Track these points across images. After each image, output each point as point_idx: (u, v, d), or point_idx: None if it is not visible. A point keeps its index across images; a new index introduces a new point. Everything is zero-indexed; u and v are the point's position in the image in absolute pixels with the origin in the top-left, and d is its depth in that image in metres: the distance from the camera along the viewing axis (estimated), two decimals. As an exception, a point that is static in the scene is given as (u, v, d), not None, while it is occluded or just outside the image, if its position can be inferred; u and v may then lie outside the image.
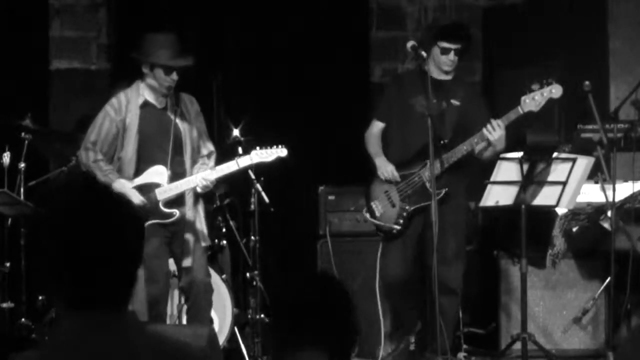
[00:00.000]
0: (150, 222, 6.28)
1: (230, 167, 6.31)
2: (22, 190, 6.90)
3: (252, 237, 7.23)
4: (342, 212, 7.43)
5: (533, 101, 6.46)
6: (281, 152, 6.34)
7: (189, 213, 6.35)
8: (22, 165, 6.89)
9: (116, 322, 2.09)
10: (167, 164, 6.27)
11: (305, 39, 8.58)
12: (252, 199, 7.19)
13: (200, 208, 6.44)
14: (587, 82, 6.52)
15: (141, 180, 6.31)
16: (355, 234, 7.40)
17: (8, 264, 7.08)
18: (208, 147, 6.48)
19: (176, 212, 6.31)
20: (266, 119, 7.57)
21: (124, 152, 6.31)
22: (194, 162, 6.37)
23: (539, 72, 8.37)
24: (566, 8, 8.22)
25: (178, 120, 6.33)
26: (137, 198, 6.24)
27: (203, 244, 6.39)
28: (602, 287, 7.10)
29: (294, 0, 8.65)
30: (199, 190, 6.31)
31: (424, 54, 6.48)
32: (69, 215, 2.10)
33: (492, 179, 6.44)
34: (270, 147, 6.33)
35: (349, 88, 8.58)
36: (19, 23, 8.44)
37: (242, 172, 6.48)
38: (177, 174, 6.31)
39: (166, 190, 6.29)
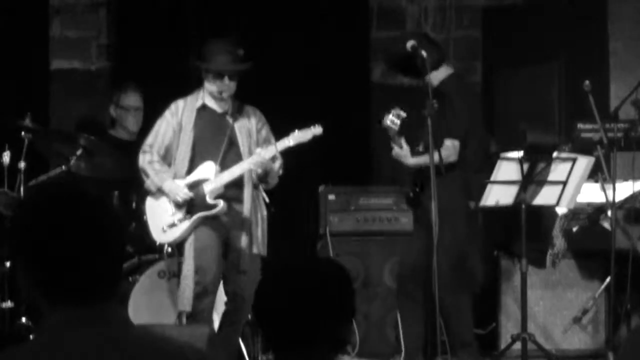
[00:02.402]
0: (197, 215, 6.34)
1: (270, 151, 6.37)
2: (22, 190, 6.89)
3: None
4: (342, 212, 7.43)
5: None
6: (316, 130, 6.40)
7: (247, 214, 6.38)
8: (22, 165, 6.88)
9: (99, 319, 2.10)
10: (218, 161, 6.35)
11: (305, 39, 8.58)
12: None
13: (260, 213, 6.48)
14: (587, 82, 6.52)
15: (192, 177, 6.42)
16: (355, 233, 7.40)
17: (8, 264, 7.07)
18: (275, 155, 6.48)
19: (220, 202, 6.36)
20: (266, 119, 7.56)
21: (178, 151, 6.43)
22: None
23: (539, 72, 8.39)
24: (566, 8, 8.22)
25: (236, 125, 6.43)
26: (184, 192, 6.35)
27: (255, 251, 6.38)
28: (602, 287, 7.10)
29: (293, 0, 8.65)
30: (253, 167, 6.30)
31: (424, 53, 6.48)
32: (42, 215, 2.11)
33: (492, 179, 6.44)
34: (307, 128, 6.38)
35: (349, 88, 8.58)
36: (19, 23, 8.44)
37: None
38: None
39: (212, 183, 6.37)
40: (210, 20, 8.44)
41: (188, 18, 8.38)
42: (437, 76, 6.64)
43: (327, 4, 8.67)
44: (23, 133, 6.82)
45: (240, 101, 6.53)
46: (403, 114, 6.40)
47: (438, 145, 6.34)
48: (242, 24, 8.52)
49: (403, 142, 6.57)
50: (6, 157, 6.79)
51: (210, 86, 6.42)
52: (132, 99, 7.58)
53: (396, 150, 6.58)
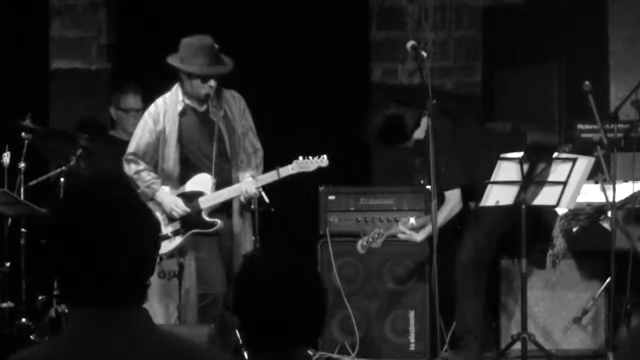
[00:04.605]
0: (192, 231, 6.31)
1: (271, 176, 6.34)
2: (22, 190, 6.89)
3: (252, 237, 7.23)
4: (342, 212, 7.43)
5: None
6: (322, 162, 6.39)
7: (237, 228, 6.37)
8: (22, 165, 6.88)
9: (124, 319, 2.09)
10: (212, 171, 6.26)
11: (305, 39, 8.58)
12: (253, 199, 7.18)
13: (247, 221, 6.46)
14: (587, 82, 6.52)
15: (186, 188, 6.34)
16: (356, 234, 7.39)
17: (8, 264, 7.07)
18: (254, 144, 6.46)
19: (218, 221, 6.32)
20: (266, 119, 7.56)
21: (165, 164, 6.34)
22: (239, 164, 6.37)
23: (539, 72, 8.39)
24: (566, 8, 8.22)
25: (221, 124, 6.29)
26: (180, 207, 6.29)
27: (247, 249, 6.40)
28: (602, 287, 7.10)
29: (294, 0, 8.65)
30: (242, 199, 6.32)
31: (424, 53, 6.48)
32: (79, 215, 2.10)
33: (492, 179, 6.44)
34: (312, 157, 6.37)
35: (349, 88, 8.57)
36: (19, 23, 8.44)
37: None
38: (223, 181, 6.31)
39: (209, 200, 6.30)
40: (209, 20, 8.43)
41: (188, 18, 8.38)
42: (420, 130, 6.78)
43: (327, 4, 8.67)
44: (23, 133, 6.83)
45: (217, 88, 6.34)
46: (374, 234, 6.78)
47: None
48: (242, 23, 8.52)
49: (401, 227, 6.78)
50: (6, 157, 6.80)
51: (194, 89, 6.27)
52: (132, 101, 7.58)
53: (401, 237, 6.83)
